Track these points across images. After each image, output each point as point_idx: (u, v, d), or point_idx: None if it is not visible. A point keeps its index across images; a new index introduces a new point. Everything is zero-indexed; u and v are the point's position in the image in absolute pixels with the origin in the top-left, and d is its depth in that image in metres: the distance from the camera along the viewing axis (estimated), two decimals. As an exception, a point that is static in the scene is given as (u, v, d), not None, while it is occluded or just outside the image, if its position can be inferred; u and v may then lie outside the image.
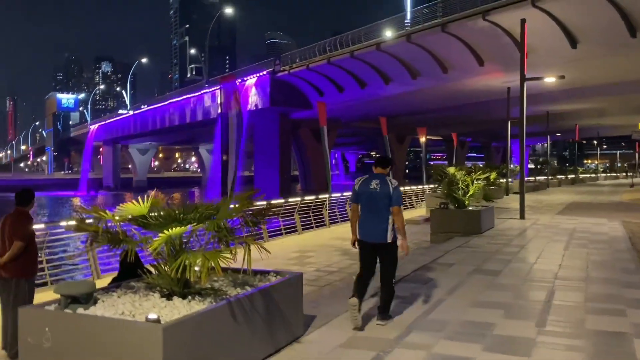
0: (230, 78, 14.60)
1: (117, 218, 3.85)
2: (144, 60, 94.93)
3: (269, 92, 44.03)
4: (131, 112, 79.15)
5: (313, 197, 16.97)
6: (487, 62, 31.17)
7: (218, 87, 51.06)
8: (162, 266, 3.93)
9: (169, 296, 3.97)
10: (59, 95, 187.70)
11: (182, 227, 3.73)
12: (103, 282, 9.16)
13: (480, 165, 21.12)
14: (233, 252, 3.70)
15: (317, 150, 52.92)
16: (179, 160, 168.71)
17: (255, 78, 45.27)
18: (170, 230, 3.69)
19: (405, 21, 36.50)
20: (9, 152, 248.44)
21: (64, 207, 50.99)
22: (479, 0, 29.37)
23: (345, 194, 19.29)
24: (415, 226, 16.00)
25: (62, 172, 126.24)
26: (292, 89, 44.77)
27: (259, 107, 45.21)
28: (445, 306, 6.00)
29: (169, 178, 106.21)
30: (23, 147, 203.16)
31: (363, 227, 5.22)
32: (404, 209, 21.62)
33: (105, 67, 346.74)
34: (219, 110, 48.57)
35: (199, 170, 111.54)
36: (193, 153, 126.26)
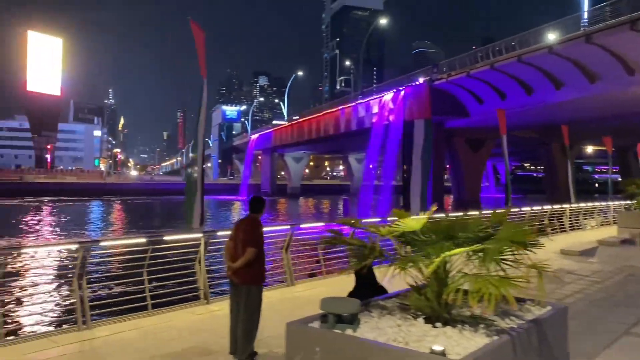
0: (414, 80, 14.14)
1: (388, 233, 3.56)
2: (299, 73, 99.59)
3: (425, 100, 42.99)
4: (287, 123, 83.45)
5: (490, 211, 15.84)
6: (686, 61, 27.10)
7: (372, 97, 51.75)
8: (427, 286, 3.56)
9: (429, 320, 3.59)
10: (224, 107, 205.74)
11: (459, 249, 3.32)
12: (296, 288, 9.30)
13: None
14: (526, 280, 3.18)
15: (471, 160, 50.57)
16: (328, 169, 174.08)
17: (410, 87, 44.57)
18: (443, 250, 3.30)
19: (582, 20, 33.21)
20: (179, 159, 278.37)
21: (227, 211, 55.07)
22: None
23: (523, 208, 17.81)
24: (613, 248, 14.11)
25: (225, 178, 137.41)
26: (448, 97, 43.26)
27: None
28: None
29: (319, 185, 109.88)
30: (192, 155, 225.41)
31: None
32: (579, 228, 19.46)
33: (262, 80, 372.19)
34: (373, 120, 49.12)
35: (347, 177, 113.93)
36: (340, 161, 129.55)
